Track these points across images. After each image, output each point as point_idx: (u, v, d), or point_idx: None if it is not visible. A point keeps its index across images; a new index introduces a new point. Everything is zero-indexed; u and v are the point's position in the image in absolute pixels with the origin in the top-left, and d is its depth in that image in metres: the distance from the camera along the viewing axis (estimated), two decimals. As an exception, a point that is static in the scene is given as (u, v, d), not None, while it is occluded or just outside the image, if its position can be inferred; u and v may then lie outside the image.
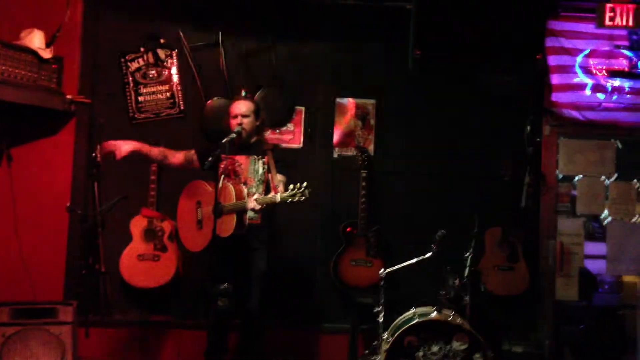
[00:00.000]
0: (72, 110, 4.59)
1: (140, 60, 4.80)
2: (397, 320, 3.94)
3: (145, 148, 3.99)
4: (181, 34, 4.75)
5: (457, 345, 3.66)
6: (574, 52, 4.79)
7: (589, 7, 4.66)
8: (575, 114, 4.78)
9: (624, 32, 4.74)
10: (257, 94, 4.72)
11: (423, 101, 4.91)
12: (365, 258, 4.65)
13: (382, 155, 4.87)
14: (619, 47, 4.79)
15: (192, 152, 4.06)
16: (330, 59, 4.90)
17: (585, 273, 4.87)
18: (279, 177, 3.87)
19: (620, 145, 5.00)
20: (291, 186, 3.59)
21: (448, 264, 4.04)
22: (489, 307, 4.49)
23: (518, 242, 4.67)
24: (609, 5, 4.44)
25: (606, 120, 4.79)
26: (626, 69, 4.78)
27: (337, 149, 4.90)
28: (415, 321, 3.73)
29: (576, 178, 4.99)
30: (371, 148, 4.87)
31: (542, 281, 4.82)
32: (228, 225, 3.77)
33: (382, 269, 3.86)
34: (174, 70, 4.81)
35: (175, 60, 4.81)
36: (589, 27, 4.73)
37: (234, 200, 3.79)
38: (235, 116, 3.97)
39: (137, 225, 4.56)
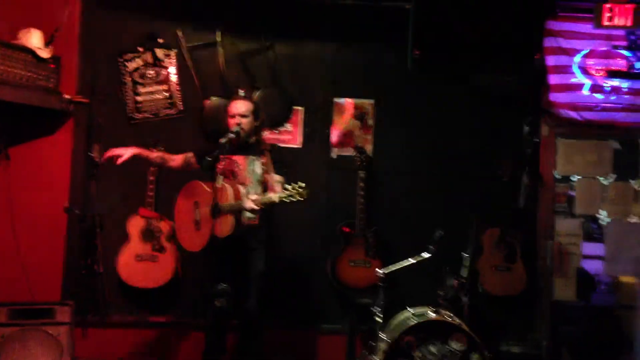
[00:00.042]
0: (70, 110, 4.58)
1: (139, 60, 4.79)
2: (395, 320, 3.94)
3: (144, 153, 4.00)
4: (179, 33, 4.75)
5: (454, 345, 3.66)
6: (572, 53, 4.80)
7: (587, 7, 4.67)
8: (573, 114, 4.79)
9: (622, 33, 4.75)
10: (256, 94, 4.72)
11: (421, 101, 4.91)
12: (363, 258, 4.65)
13: (381, 155, 4.87)
14: (617, 47, 4.80)
15: (191, 154, 4.06)
16: (328, 59, 4.89)
17: (582, 273, 4.88)
18: (277, 178, 3.87)
19: (619, 146, 5.01)
20: (289, 186, 3.58)
21: (446, 265, 4.05)
22: (486, 307, 4.51)
23: (516, 243, 4.68)
24: (607, 6, 4.45)
25: (604, 120, 4.80)
26: (624, 69, 4.78)
27: (335, 149, 4.90)
28: (413, 321, 3.73)
29: (574, 178, 4.99)
30: (369, 148, 4.87)
31: (539, 281, 4.83)
32: (226, 226, 3.76)
33: (380, 269, 3.87)
34: (172, 70, 4.81)
35: (173, 60, 4.81)
36: (587, 28, 4.74)
37: (232, 201, 3.79)
38: (234, 116, 3.97)
39: (135, 225, 4.56)
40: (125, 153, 3.82)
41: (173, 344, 4.61)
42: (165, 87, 4.81)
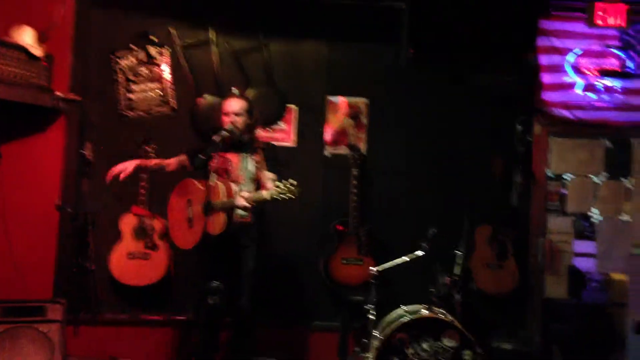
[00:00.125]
0: (62, 108, 4.56)
1: (132, 57, 4.78)
2: (388, 317, 3.95)
3: (144, 163, 4.07)
4: (173, 31, 4.74)
5: (447, 342, 3.67)
6: (565, 52, 4.82)
7: (580, 6, 4.70)
8: (565, 113, 4.81)
9: (614, 32, 4.78)
10: (250, 92, 4.72)
11: (415, 100, 4.92)
12: (356, 256, 4.66)
13: (374, 154, 4.88)
14: (609, 46, 4.82)
15: (184, 157, 4.06)
16: (322, 58, 4.90)
17: (574, 271, 4.90)
18: (270, 175, 3.86)
19: (611, 145, 5.03)
20: (279, 184, 3.59)
21: (439, 262, 4.06)
22: (479, 304, 4.52)
23: (508, 240, 4.69)
24: (599, 5, 4.47)
25: (596, 119, 4.82)
26: (617, 68, 4.81)
27: (329, 148, 4.90)
28: (405, 319, 3.74)
29: (566, 176, 5.01)
30: (363, 147, 4.88)
31: (531, 279, 4.85)
32: (218, 223, 3.76)
33: (373, 267, 3.87)
34: (165, 68, 4.80)
35: (166, 58, 4.80)
36: (580, 27, 4.76)
37: (224, 198, 3.79)
38: (228, 114, 3.97)
39: (128, 223, 4.55)
40: (128, 167, 3.88)
41: (165, 342, 4.60)
42: (158, 85, 4.80)
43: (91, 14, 4.72)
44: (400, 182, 4.88)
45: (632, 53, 4.81)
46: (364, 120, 4.91)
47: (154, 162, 4.13)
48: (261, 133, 4.65)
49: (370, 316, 3.81)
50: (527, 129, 4.87)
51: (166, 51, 4.79)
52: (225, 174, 3.95)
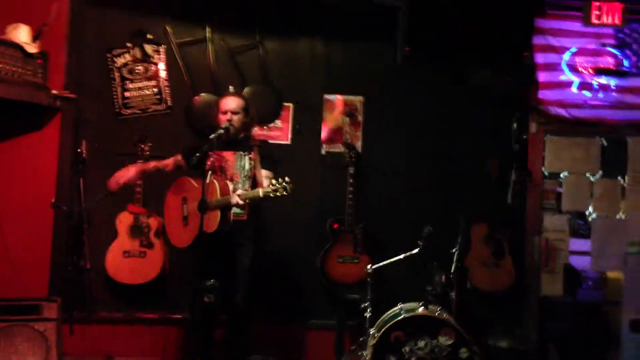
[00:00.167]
0: (57, 106, 4.54)
1: (127, 55, 4.77)
2: (384, 316, 3.95)
3: (142, 167, 4.10)
4: (169, 29, 4.73)
5: (443, 340, 3.67)
6: (561, 50, 4.82)
7: (576, 5, 4.70)
8: (561, 111, 4.81)
9: (610, 31, 4.79)
10: (246, 90, 4.72)
11: (411, 99, 4.92)
12: (352, 255, 4.66)
13: (370, 152, 4.88)
14: (605, 45, 4.83)
15: (179, 157, 4.06)
16: (318, 56, 4.89)
17: (569, 269, 4.91)
18: (265, 173, 3.87)
19: (606, 143, 5.04)
20: (273, 181, 3.59)
21: (435, 261, 4.06)
22: (475, 302, 4.53)
23: (504, 239, 4.70)
24: (595, 4, 4.48)
25: (592, 117, 4.82)
26: (612, 67, 4.81)
27: (325, 146, 4.90)
28: (402, 317, 3.74)
29: (562, 175, 5.02)
30: (359, 145, 4.87)
31: (527, 277, 4.85)
32: (212, 221, 3.76)
33: (369, 265, 3.87)
34: (161, 66, 4.78)
35: (162, 56, 4.78)
36: (576, 25, 4.77)
37: (219, 196, 3.79)
38: (225, 112, 3.97)
39: (123, 221, 4.53)
40: (128, 174, 3.94)
41: (161, 340, 4.59)
42: (154, 83, 4.79)
43: (86, 11, 4.70)
44: (396, 181, 4.88)
45: (627, 51, 4.82)
46: (360, 118, 4.91)
47: (152, 164, 4.12)
48: (257, 131, 4.66)
49: (367, 314, 3.81)
50: (523, 127, 4.87)
51: (162, 49, 4.77)
52: (220, 171, 3.95)
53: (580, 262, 5.00)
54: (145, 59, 4.78)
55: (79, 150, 4.53)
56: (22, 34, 4.28)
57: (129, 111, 4.76)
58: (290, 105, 4.86)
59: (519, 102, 4.89)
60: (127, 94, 4.76)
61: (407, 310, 3.82)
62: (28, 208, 4.51)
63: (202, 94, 4.74)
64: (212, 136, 3.75)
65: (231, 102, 3.99)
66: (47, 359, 3.96)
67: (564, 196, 4.96)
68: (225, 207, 3.78)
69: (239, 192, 3.75)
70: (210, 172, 3.89)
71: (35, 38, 4.37)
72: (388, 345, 3.69)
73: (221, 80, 4.72)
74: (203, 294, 3.62)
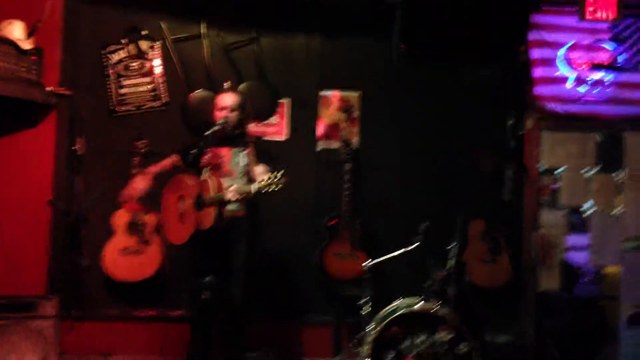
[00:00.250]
0: (52, 103, 4.52)
1: (122, 52, 4.75)
2: (382, 311, 3.94)
3: (148, 174, 4.02)
4: (164, 25, 4.71)
5: (441, 335, 3.68)
6: (556, 46, 4.82)
7: (571, 0, 4.70)
8: (557, 107, 4.82)
9: (605, 26, 4.79)
10: (241, 86, 4.70)
11: (407, 95, 4.92)
12: (349, 251, 4.66)
13: (367, 148, 4.87)
14: (600, 40, 4.83)
15: (176, 157, 4.04)
16: (315, 52, 4.89)
17: (566, 265, 4.93)
18: (261, 169, 3.85)
19: (602, 139, 5.04)
20: (265, 176, 3.58)
21: (432, 256, 4.06)
22: (473, 298, 4.54)
23: (501, 235, 4.72)
24: (590, -1, 4.49)
25: (588, 113, 4.83)
26: (608, 62, 4.82)
27: (321, 142, 4.90)
28: (399, 312, 3.74)
29: (558, 171, 5.03)
30: (355, 141, 4.87)
31: (524, 273, 4.87)
32: (208, 218, 3.76)
33: (367, 261, 3.88)
34: (156, 62, 4.77)
35: (158, 53, 4.77)
36: (571, 21, 4.77)
37: (214, 193, 3.78)
38: (221, 109, 3.95)
39: (121, 218, 4.52)
40: (140, 187, 3.91)
41: (159, 337, 4.58)
42: (149, 79, 4.77)
43: (81, 7, 4.68)
44: (393, 177, 4.89)
45: (622, 47, 4.83)
46: (356, 114, 4.91)
47: (154, 169, 4.06)
48: (253, 127, 4.64)
49: (364, 310, 3.82)
50: (518, 123, 4.88)
51: (157, 45, 4.75)
52: (216, 168, 3.94)
53: (577, 258, 5.01)
54: (141, 55, 4.76)
55: (74, 147, 4.51)
56: (16, 31, 4.26)
57: (124, 108, 4.75)
58: (286, 101, 4.85)
59: (515, 98, 4.90)
60: (122, 90, 4.75)
61: (406, 306, 3.82)
62: (25, 206, 4.49)
63: (197, 90, 4.72)
64: (207, 133, 3.75)
65: (227, 99, 3.98)
66: (45, 356, 3.95)
67: (560, 192, 4.97)
68: (221, 203, 3.78)
69: (233, 187, 3.74)
70: (206, 169, 3.88)
71: (29, 34, 4.34)
72: (386, 341, 3.69)
73: (217, 77, 4.71)
74: (200, 291, 3.61)
